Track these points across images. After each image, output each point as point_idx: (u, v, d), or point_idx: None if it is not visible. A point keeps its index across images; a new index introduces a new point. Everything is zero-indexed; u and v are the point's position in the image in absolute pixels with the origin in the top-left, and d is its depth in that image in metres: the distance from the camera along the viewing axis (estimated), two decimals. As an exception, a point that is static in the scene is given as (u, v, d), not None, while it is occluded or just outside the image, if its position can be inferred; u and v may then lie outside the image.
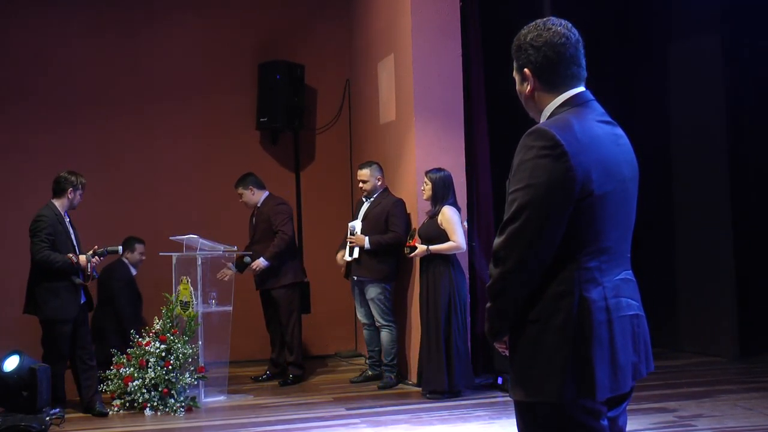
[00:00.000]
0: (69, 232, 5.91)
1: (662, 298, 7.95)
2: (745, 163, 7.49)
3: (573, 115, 2.22)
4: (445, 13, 6.62)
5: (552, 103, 2.28)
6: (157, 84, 8.11)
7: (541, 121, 2.30)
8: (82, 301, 5.88)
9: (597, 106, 2.30)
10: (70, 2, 8.01)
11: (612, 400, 2.22)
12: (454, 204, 6.15)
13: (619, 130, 2.32)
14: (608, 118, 2.30)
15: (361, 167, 6.89)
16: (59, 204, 5.92)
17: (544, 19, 2.32)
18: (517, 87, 2.38)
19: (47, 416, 5.52)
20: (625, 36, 8.35)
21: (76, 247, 5.93)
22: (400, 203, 6.74)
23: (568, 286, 2.13)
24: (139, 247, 7.34)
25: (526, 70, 2.30)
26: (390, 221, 6.61)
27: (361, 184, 6.82)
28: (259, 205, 7.05)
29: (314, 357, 8.05)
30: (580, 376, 2.11)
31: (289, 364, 6.93)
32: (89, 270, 5.82)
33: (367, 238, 6.58)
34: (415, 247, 6.17)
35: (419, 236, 6.25)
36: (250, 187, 7.01)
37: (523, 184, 2.13)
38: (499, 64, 7.14)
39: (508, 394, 6.01)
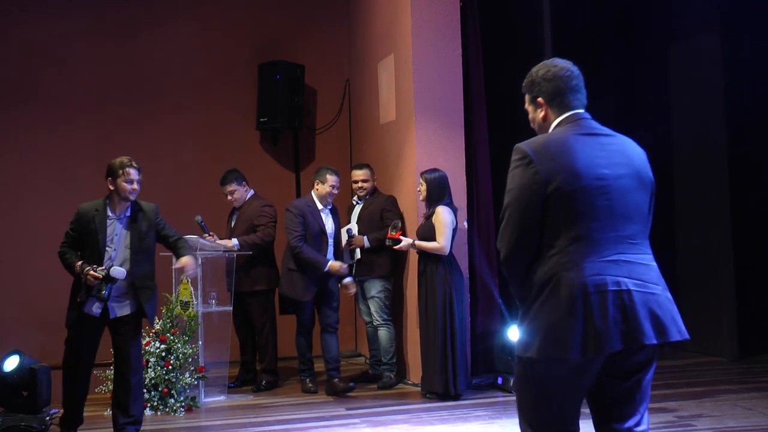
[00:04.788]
0: (105, 233, 4.98)
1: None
2: (745, 163, 7.49)
3: (555, 132, 2.76)
4: (445, 13, 6.62)
5: (555, 122, 2.79)
6: (157, 84, 8.11)
7: None
8: (105, 315, 5.03)
9: (587, 123, 2.76)
10: (71, 2, 8.02)
11: (623, 368, 2.61)
12: (450, 204, 6.13)
13: (611, 138, 2.74)
14: (598, 131, 2.74)
15: (359, 167, 6.89)
16: (109, 199, 5.06)
17: (551, 59, 2.84)
18: (530, 116, 2.88)
19: (47, 416, 5.52)
20: (625, 36, 8.36)
21: (112, 253, 5.00)
22: (393, 199, 6.82)
23: (551, 269, 2.59)
24: None
25: (540, 99, 2.81)
26: (385, 216, 6.63)
27: (360, 184, 6.79)
28: (243, 203, 6.89)
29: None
30: (554, 340, 2.54)
31: (262, 371, 6.78)
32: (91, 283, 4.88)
33: (365, 237, 6.60)
34: (399, 240, 6.16)
35: (417, 236, 6.24)
36: (243, 183, 6.90)
37: (507, 189, 2.70)
38: (499, 63, 7.22)
39: (508, 394, 6.04)
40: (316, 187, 6.52)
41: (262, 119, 8.11)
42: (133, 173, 5.02)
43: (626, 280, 2.56)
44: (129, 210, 5.08)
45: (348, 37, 8.53)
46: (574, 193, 2.57)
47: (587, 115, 2.78)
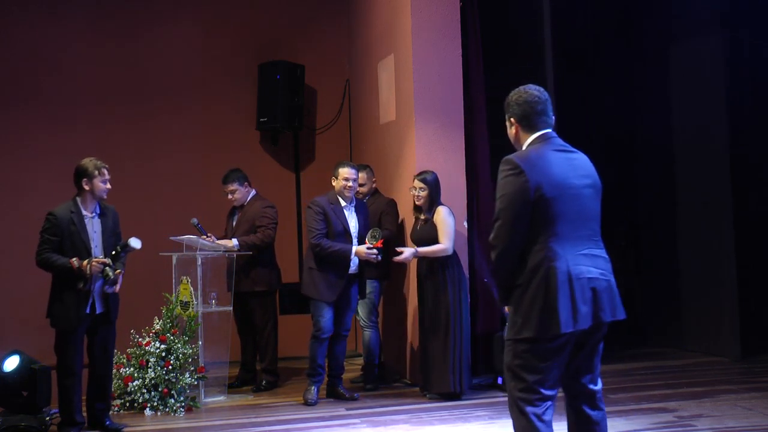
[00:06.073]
0: (86, 231, 5.22)
1: (665, 299, 7.95)
2: (745, 163, 7.49)
3: (534, 147, 3.33)
4: (445, 13, 6.61)
5: (528, 140, 3.38)
6: (158, 84, 8.12)
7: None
8: (92, 311, 5.27)
9: (556, 141, 3.36)
10: (71, 2, 8.02)
11: (587, 339, 3.24)
12: (442, 203, 6.13)
13: (575, 155, 3.36)
14: (564, 148, 3.36)
15: (360, 169, 6.82)
16: (81, 199, 5.28)
17: (525, 86, 3.41)
18: (507, 130, 3.46)
19: (47, 416, 5.51)
20: (625, 36, 8.35)
21: (94, 249, 5.25)
22: (393, 202, 6.77)
23: (540, 260, 3.17)
24: None
25: (512, 119, 3.41)
26: (383, 219, 6.59)
27: (357, 187, 6.61)
28: (245, 203, 6.87)
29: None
30: (548, 318, 3.12)
31: (262, 371, 6.77)
32: (88, 273, 5.11)
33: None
34: (381, 249, 6.04)
35: (413, 241, 6.20)
36: (245, 183, 6.87)
37: (500, 194, 3.24)
38: (499, 64, 7.21)
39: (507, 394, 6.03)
40: (332, 183, 6.20)
41: (262, 119, 8.12)
42: (107, 173, 5.33)
43: (594, 269, 3.21)
44: (98, 207, 5.36)
45: (348, 37, 8.53)
46: (554, 199, 3.17)
47: (554, 134, 3.37)
